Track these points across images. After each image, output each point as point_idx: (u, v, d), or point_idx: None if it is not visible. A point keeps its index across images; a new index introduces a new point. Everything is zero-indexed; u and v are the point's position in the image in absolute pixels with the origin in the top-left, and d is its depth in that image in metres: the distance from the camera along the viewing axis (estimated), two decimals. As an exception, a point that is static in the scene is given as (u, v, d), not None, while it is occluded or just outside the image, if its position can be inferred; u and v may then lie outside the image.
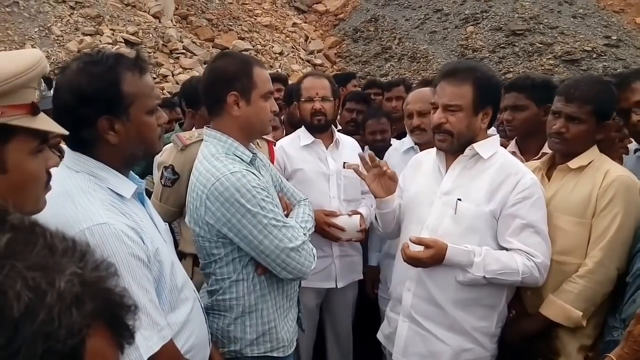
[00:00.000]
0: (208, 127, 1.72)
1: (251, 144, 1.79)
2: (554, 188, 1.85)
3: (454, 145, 1.80)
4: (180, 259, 2.28)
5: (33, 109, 0.99)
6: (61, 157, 1.30)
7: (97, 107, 1.21)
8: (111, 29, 13.06)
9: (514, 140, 2.37)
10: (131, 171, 1.38)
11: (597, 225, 1.74)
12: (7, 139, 0.95)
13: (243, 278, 1.67)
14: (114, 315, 0.49)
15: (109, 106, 1.23)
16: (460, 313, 1.78)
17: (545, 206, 1.78)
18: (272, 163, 2.57)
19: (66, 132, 1.08)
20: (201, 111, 2.59)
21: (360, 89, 4.26)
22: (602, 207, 1.73)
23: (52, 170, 1.09)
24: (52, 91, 1.30)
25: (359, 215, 2.46)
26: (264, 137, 2.67)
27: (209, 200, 1.58)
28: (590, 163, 1.80)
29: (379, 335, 2.06)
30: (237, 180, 1.56)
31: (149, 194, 2.37)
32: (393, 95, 3.54)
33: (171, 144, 2.35)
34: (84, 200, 1.19)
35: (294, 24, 18.54)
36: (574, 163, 1.82)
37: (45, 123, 1.01)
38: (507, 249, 1.75)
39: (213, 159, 1.61)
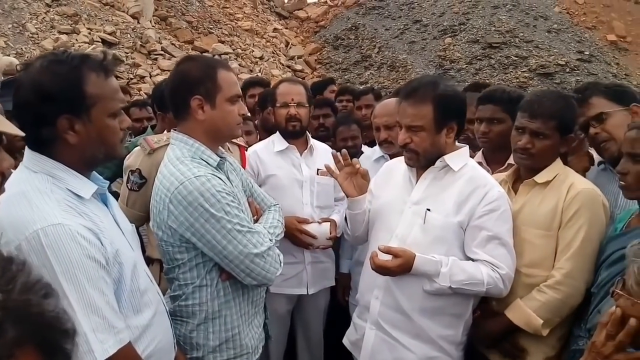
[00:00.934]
0: (175, 130, 1.70)
1: (221, 148, 1.77)
2: (521, 202, 1.88)
3: (420, 162, 1.84)
4: (148, 265, 2.24)
5: None
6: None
7: (57, 106, 1.20)
8: (88, 28, 12.83)
9: (480, 152, 2.41)
10: (95, 172, 1.36)
11: (563, 236, 1.77)
12: None
13: (207, 284, 1.64)
14: (46, 340, 0.47)
15: (70, 106, 1.21)
16: (427, 321, 1.79)
17: (512, 219, 1.82)
18: (244, 168, 2.56)
19: (22, 134, 1.06)
20: (170, 114, 2.55)
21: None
22: (567, 219, 1.77)
23: (12, 171, 1.06)
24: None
25: (328, 223, 2.46)
26: (236, 142, 2.66)
27: (172, 204, 1.55)
28: (555, 177, 1.84)
29: (345, 341, 2.06)
30: (202, 184, 1.54)
31: (118, 196, 2.34)
32: (362, 104, 3.57)
33: (138, 147, 2.31)
34: (39, 200, 1.17)
35: (275, 30, 18.55)
36: (540, 177, 1.85)
37: (3, 126, 0.99)
38: (473, 260, 1.77)
39: (178, 162, 1.59)
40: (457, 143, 1.90)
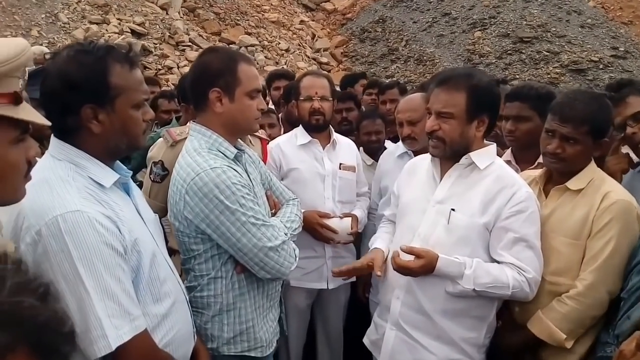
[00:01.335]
0: (194, 121, 1.70)
1: (241, 140, 1.77)
2: (551, 207, 1.81)
3: (446, 153, 1.77)
4: (170, 255, 2.26)
5: (15, 99, 0.99)
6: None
7: (82, 95, 1.22)
8: (118, 19, 13.03)
9: (509, 149, 2.34)
10: (119, 162, 1.38)
11: (590, 247, 1.71)
12: None
13: (222, 275, 1.65)
14: (42, 342, 0.45)
15: (95, 95, 1.23)
16: (449, 323, 1.75)
17: (540, 222, 1.75)
18: (265, 161, 2.55)
19: (48, 123, 1.07)
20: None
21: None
22: (598, 229, 1.69)
23: (37, 159, 1.08)
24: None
25: (350, 218, 2.44)
26: (257, 134, 2.66)
27: (187, 195, 1.56)
28: (589, 183, 1.76)
29: (365, 340, 2.04)
30: (217, 176, 1.54)
31: (142, 186, 2.36)
32: (387, 98, 3.52)
33: (161, 139, 2.33)
34: (60, 187, 1.19)
35: (302, 22, 18.49)
36: (572, 184, 1.78)
37: (27, 113, 1.01)
38: (498, 262, 1.72)
39: (195, 153, 1.60)
40: (485, 141, 1.84)
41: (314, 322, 2.75)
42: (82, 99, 1.22)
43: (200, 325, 1.68)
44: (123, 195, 1.35)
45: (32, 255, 1.13)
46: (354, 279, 2.67)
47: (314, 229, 2.37)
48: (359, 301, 2.78)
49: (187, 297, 1.54)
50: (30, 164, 1.05)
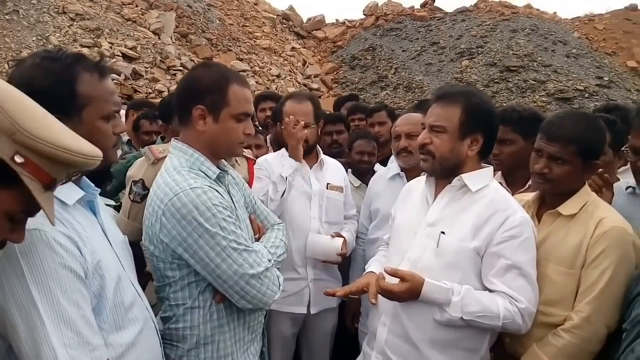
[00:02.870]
0: (175, 139, 1.62)
1: (224, 161, 1.68)
2: (543, 233, 1.74)
3: (435, 167, 1.71)
4: (148, 280, 2.15)
5: (49, 184, 0.95)
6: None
7: (47, 104, 1.10)
8: (109, 42, 13.07)
9: (499, 172, 2.30)
10: (86, 178, 1.28)
11: (586, 276, 1.63)
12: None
13: (199, 305, 1.52)
14: None
15: (60, 104, 1.15)
16: (438, 355, 1.65)
17: (535, 249, 1.67)
18: (251, 182, 2.47)
19: (53, 219, 1.00)
20: (172, 125, 2.48)
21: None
22: (592, 258, 1.62)
23: None
24: None
25: (341, 239, 2.37)
26: (245, 154, 2.58)
27: (164, 217, 1.44)
28: (582, 208, 1.70)
29: (353, 371, 1.93)
30: (197, 196, 1.43)
31: (118, 209, 2.25)
32: (375, 121, 3.49)
33: (142, 157, 2.25)
34: None
35: (293, 49, 18.73)
36: (564, 209, 1.72)
37: (46, 202, 0.96)
38: (491, 290, 1.64)
39: (174, 172, 1.50)
40: (482, 164, 1.78)
41: (299, 352, 2.63)
42: (48, 108, 1.11)
43: (175, 359, 1.55)
44: (88, 214, 1.25)
45: None
46: (335, 304, 2.56)
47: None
48: (347, 331, 2.67)
49: (157, 325, 1.42)
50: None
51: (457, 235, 1.65)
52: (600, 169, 1.82)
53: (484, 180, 1.72)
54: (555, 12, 20.28)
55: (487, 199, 1.68)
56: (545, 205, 1.81)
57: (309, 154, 2.50)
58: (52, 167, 0.94)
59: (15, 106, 0.91)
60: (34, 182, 0.92)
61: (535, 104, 14.51)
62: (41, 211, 1.10)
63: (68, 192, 1.19)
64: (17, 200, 0.94)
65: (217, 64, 1.78)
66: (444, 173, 1.72)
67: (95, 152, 1.00)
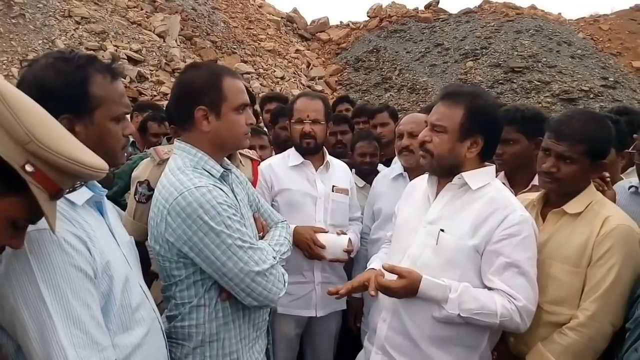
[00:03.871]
0: (178, 139, 1.63)
1: (229, 160, 1.70)
2: (548, 232, 1.75)
3: (433, 166, 1.73)
4: (153, 280, 2.16)
5: (55, 194, 0.97)
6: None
7: (59, 104, 1.14)
8: (115, 45, 13.15)
9: (502, 172, 2.30)
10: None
11: (591, 275, 1.63)
12: (4, 194, 0.93)
13: (205, 303, 1.54)
14: None
15: (72, 105, 1.17)
16: (437, 351, 1.66)
17: (536, 248, 1.67)
18: (255, 182, 2.49)
19: (55, 229, 1.02)
20: None
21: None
22: (599, 256, 1.62)
23: None
24: None
25: (347, 236, 2.37)
26: (249, 155, 2.60)
27: (169, 216, 1.46)
28: (587, 206, 1.70)
29: (354, 365, 1.94)
30: (202, 195, 1.45)
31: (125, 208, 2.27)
32: (377, 122, 3.50)
33: (147, 158, 2.26)
34: None
35: (297, 51, 18.75)
36: (570, 207, 1.72)
37: (50, 212, 0.98)
38: (490, 288, 1.64)
39: (179, 172, 1.51)
40: (485, 163, 1.78)
41: (303, 352, 2.64)
42: (59, 108, 1.14)
43: (180, 358, 1.56)
44: (96, 215, 1.27)
45: None
46: (344, 306, 2.58)
47: (306, 245, 2.28)
48: (350, 331, 2.67)
49: (163, 326, 1.44)
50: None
51: (457, 232, 1.67)
52: (605, 169, 1.83)
53: (485, 179, 1.73)
54: (559, 13, 20.20)
55: (487, 197, 1.69)
56: (550, 204, 1.81)
57: (315, 154, 2.52)
58: (60, 177, 0.95)
59: (30, 117, 0.93)
60: (41, 192, 0.93)
61: (540, 105, 14.46)
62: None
63: (77, 193, 1.20)
64: (22, 208, 0.95)
65: (204, 62, 1.81)
66: (443, 172, 1.73)
67: (102, 164, 1.03)
